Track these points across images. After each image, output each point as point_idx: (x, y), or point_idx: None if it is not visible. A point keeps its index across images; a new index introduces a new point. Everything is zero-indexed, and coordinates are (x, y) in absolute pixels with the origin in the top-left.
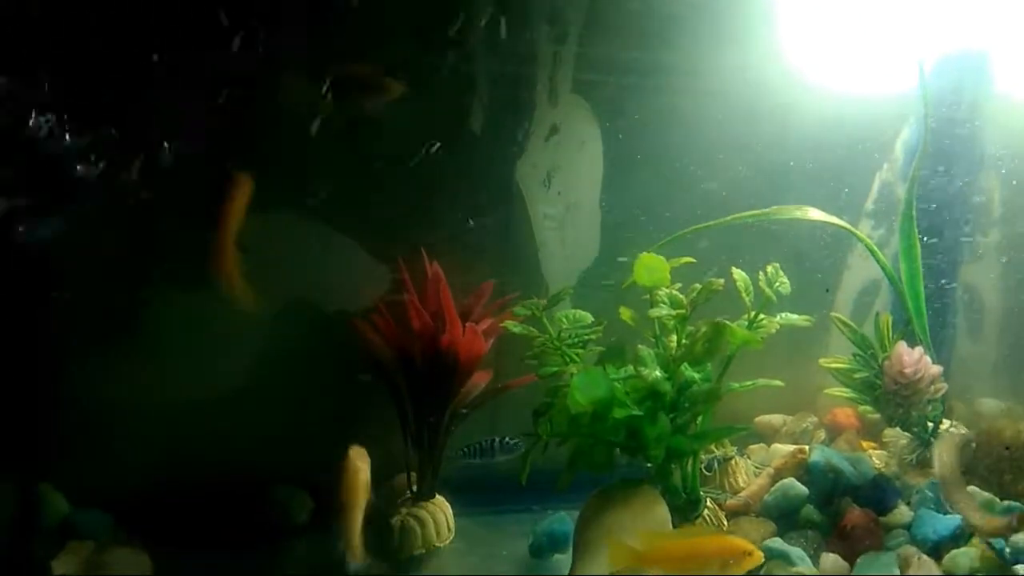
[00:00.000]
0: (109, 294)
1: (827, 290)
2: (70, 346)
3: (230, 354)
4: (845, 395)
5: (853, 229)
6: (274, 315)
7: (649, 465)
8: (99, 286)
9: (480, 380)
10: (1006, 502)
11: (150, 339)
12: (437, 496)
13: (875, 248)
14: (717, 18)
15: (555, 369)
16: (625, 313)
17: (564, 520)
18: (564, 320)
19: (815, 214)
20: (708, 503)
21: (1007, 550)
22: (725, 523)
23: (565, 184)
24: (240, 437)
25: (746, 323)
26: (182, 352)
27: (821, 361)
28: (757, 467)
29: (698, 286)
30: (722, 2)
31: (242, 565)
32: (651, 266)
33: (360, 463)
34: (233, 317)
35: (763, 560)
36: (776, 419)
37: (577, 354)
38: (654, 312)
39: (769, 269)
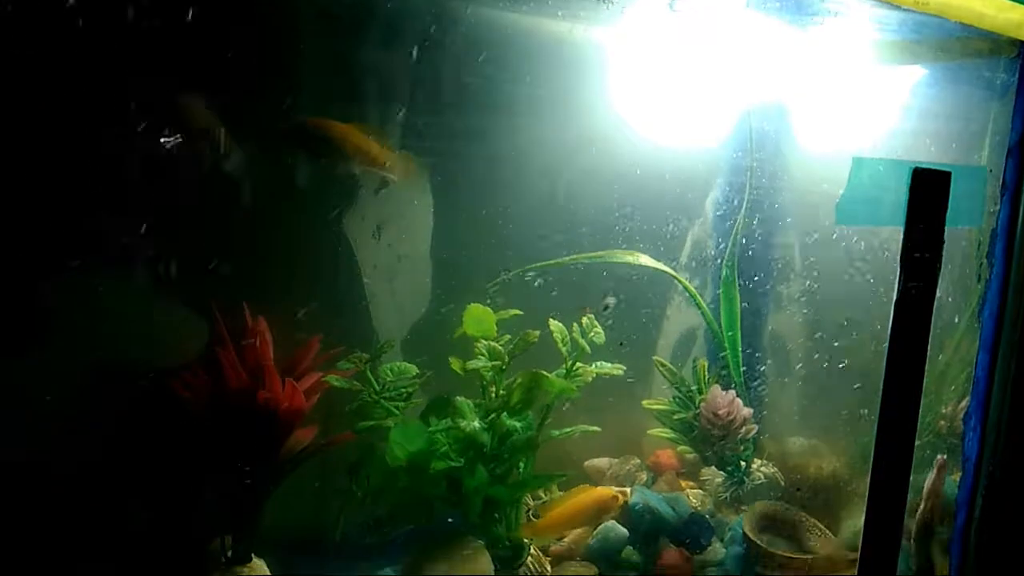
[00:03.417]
0: None
1: (621, 344)
2: None
3: (32, 415)
4: (666, 435)
5: (679, 277)
6: (80, 374)
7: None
8: None
9: (303, 437)
10: None
11: None
12: (254, 559)
13: (697, 295)
14: (541, 76)
15: (372, 423)
16: (455, 363)
17: None
18: (388, 373)
19: (646, 260)
20: (532, 550)
21: None
22: (549, 569)
23: (395, 236)
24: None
25: (564, 372)
26: None
27: (644, 402)
28: None
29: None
30: (546, 61)
31: None
32: (479, 317)
33: None
34: (34, 376)
35: (624, 498)
36: (603, 462)
37: (398, 407)
38: (472, 364)
39: (584, 320)
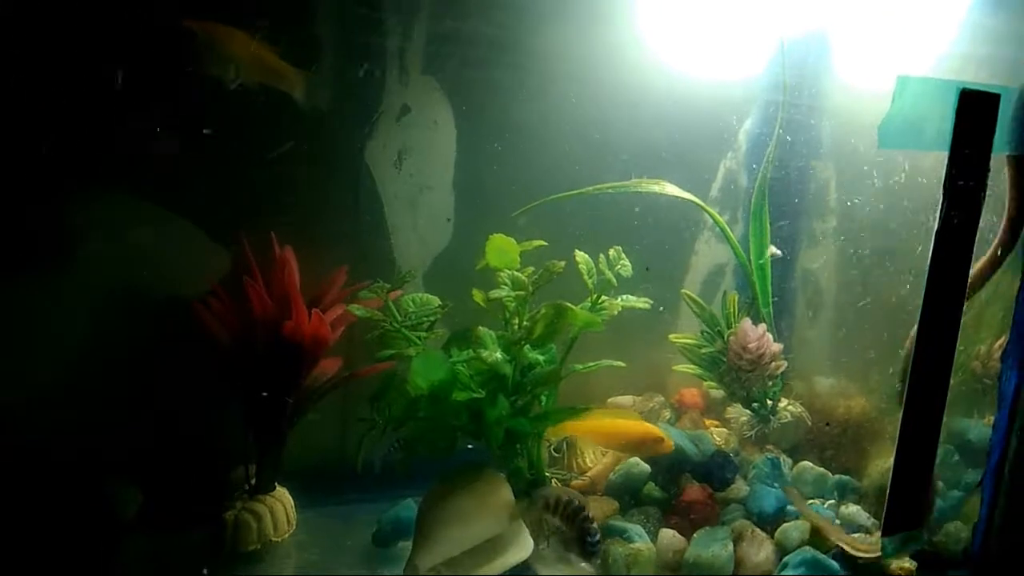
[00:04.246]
0: None
1: (647, 268)
2: None
3: (56, 343)
4: (692, 371)
5: (706, 207)
6: (105, 302)
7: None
8: None
9: (328, 368)
10: (836, 476)
11: None
12: (278, 488)
13: (726, 227)
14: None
15: (392, 352)
16: (478, 295)
17: (410, 507)
18: (411, 304)
19: (672, 189)
20: (553, 483)
21: (837, 522)
22: None
23: (417, 166)
24: (66, 431)
25: (589, 305)
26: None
27: (671, 336)
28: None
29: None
30: None
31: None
32: (502, 248)
33: None
34: (59, 304)
35: (673, 447)
36: (626, 400)
37: (420, 337)
38: (494, 293)
39: (611, 252)
